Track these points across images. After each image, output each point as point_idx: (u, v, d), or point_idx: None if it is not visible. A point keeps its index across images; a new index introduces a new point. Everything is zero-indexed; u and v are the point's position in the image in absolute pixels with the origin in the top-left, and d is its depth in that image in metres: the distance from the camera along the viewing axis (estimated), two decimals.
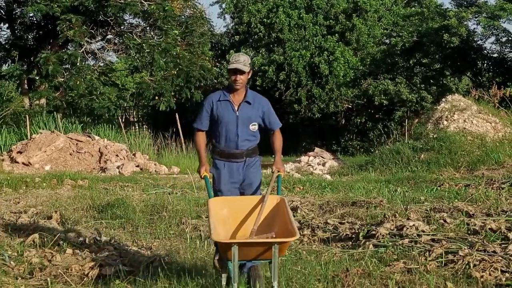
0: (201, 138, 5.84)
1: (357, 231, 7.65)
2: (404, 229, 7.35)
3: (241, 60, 5.60)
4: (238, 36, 36.04)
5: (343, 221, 8.47)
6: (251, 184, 5.79)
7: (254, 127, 5.72)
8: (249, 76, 5.73)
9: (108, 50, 24.90)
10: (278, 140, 5.84)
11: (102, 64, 25.54)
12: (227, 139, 5.70)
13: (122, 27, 24.22)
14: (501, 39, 27.74)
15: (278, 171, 5.71)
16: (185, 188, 12.71)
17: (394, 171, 14.20)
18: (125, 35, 23.52)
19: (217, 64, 34.56)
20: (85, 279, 6.12)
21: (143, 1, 22.46)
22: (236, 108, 5.68)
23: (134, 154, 18.84)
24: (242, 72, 5.59)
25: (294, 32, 33.58)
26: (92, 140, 18.96)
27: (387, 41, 32.33)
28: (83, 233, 8.05)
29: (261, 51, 34.22)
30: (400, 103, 28.84)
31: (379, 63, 29.64)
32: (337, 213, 9.08)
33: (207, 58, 28.51)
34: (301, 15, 33.81)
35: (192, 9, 27.32)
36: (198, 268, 6.24)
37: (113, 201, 10.26)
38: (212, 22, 65.75)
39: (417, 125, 18.70)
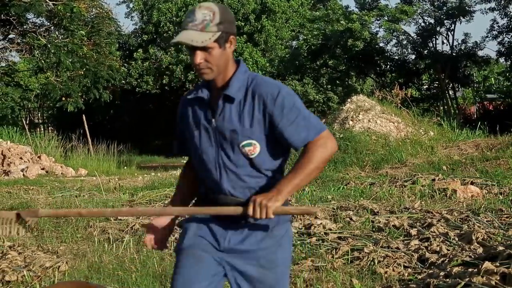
0: (185, 172, 3.10)
1: None
2: (312, 227, 7.47)
3: (197, 20, 2.64)
4: (146, 35, 35.72)
5: None
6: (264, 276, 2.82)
7: (249, 149, 2.74)
8: (232, 47, 2.74)
9: (10, 50, 24.10)
10: (302, 157, 2.73)
11: (4, 65, 24.72)
12: (205, 177, 2.86)
13: (25, 27, 23.49)
14: (402, 42, 28.76)
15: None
16: (93, 190, 12.48)
17: None
18: (29, 34, 22.82)
19: (125, 64, 34.12)
20: None
21: (48, 0, 21.83)
22: (211, 113, 2.80)
23: (39, 157, 18.34)
24: (202, 49, 2.66)
25: None
26: None
27: (294, 43, 32.74)
28: None
29: (169, 50, 34.02)
30: (308, 103, 29.29)
31: (287, 64, 30.01)
32: None
33: (115, 58, 28.07)
34: None
35: (98, 9, 26.83)
36: (105, 272, 6.16)
37: (17, 205, 9.96)
38: (119, 22, 64.89)
39: None
